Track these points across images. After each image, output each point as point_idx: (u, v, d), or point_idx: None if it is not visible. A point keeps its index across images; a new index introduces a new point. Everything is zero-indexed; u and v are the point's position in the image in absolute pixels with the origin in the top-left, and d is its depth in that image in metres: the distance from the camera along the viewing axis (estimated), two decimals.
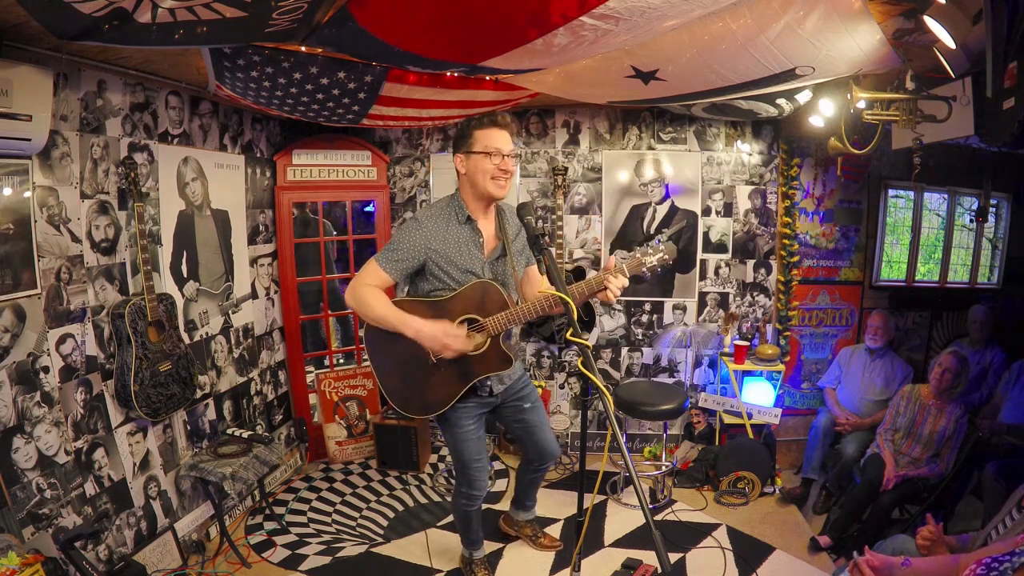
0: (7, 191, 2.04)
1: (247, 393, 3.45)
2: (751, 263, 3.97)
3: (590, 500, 2.10)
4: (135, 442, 2.59)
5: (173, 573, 2.65)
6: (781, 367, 3.67)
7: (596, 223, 3.97)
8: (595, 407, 4.07)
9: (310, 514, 3.30)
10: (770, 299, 3.99)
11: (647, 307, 4.03)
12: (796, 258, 3.87)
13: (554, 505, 3.29)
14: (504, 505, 3.20)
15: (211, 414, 3.12)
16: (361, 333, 3.02)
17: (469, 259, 2.12)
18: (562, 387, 4.15)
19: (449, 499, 3.40)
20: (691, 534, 3.03)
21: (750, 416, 3.59)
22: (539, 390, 3.86)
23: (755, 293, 3.99)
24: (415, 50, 2.04)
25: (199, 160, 3.02)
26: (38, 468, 2.13)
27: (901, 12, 1.84)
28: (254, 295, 3.54)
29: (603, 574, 2.61)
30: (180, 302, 2.87)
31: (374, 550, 2.92)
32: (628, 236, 3.96)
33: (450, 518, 3.15)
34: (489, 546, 2.82)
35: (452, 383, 2.16)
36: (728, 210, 3.93)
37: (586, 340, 1.54)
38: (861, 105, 2.25)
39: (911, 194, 4.01)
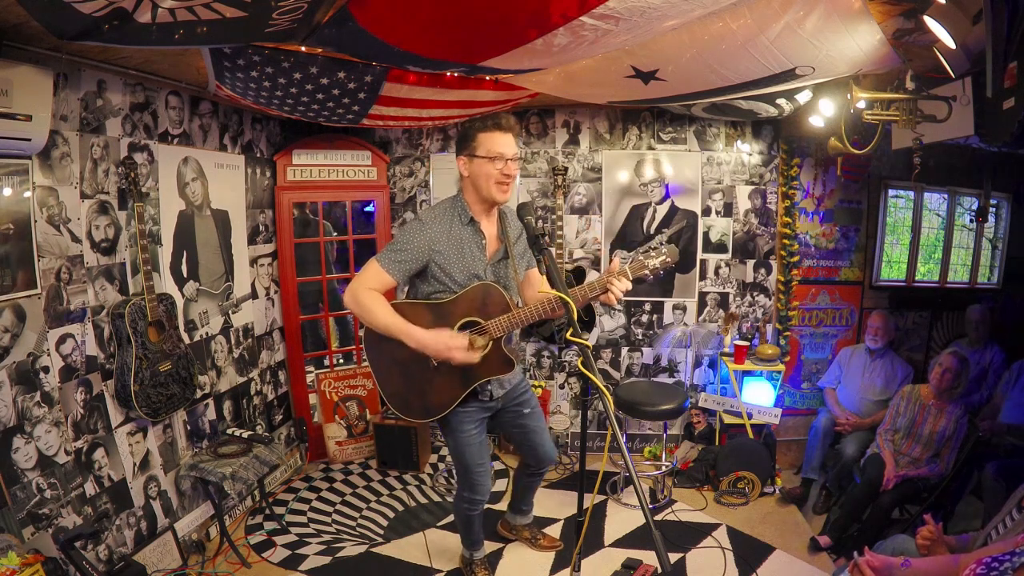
0: (7, 191, 2.04)
1: (247, 393, 3.45)
2: (751, 263, 3.97)
3: (590, 500, 2.10)
4: (135, 442, 2.59)
5: (173, 573, 2.65)
6: (781, 367, 3.67)
7: (596, 223, 3.97)
8: (595, 407, 4.07)
9: (310, 514, 3.30)
10: (770, 299, 3.99)
11: (647, 307, 4.03)
12: (796, 258, 3.87)
13: (554, 505, 3.30)
14: (504, 505, 3.19)
15: (211, 414, 3.12)
16: (361, 333, 3.02)
17: (472, 261, 2.11)
18: (562, 387, 4.15)
19: (449, 499, 3.41)
20: (691, 534, 3.03)
21: (750, 416, 3.59)
22: (539, 390, 3.87)
23: (755, 293, 3.99)
24: (415, 50, 2.04)
25: (199, 160, 3.02)
26: (38, 468, 2.13)
27: (901, 12, 1.84)
28: (254, 295, 3.54)
29: (603, 574, 2.61)
30: (180, 302, 2.87)
31: (374, 550, 2.92)
32: (628, 236, 3.96)
33: (450, 518, 3.15)
34: (489, 546, 2.82)
35: (453, 386, 2.15)
36: (728, 210, 3.93)
37: (586, 340, 1.54)
38: (861, 105, 2.25)
39: (911, 194, 4.01)
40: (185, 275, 2.93)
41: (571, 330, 1.56)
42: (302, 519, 3.24)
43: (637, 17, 1.65)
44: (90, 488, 2.35)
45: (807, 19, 1.72)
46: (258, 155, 3.60)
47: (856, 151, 2.69)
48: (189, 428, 2.94)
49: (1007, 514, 1.83)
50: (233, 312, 3.33)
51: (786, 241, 3.87)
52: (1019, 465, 2.68)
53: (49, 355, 2.19)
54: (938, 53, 1.98)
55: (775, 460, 3.55)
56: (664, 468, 3.60)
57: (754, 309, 4.00)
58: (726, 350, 3.83)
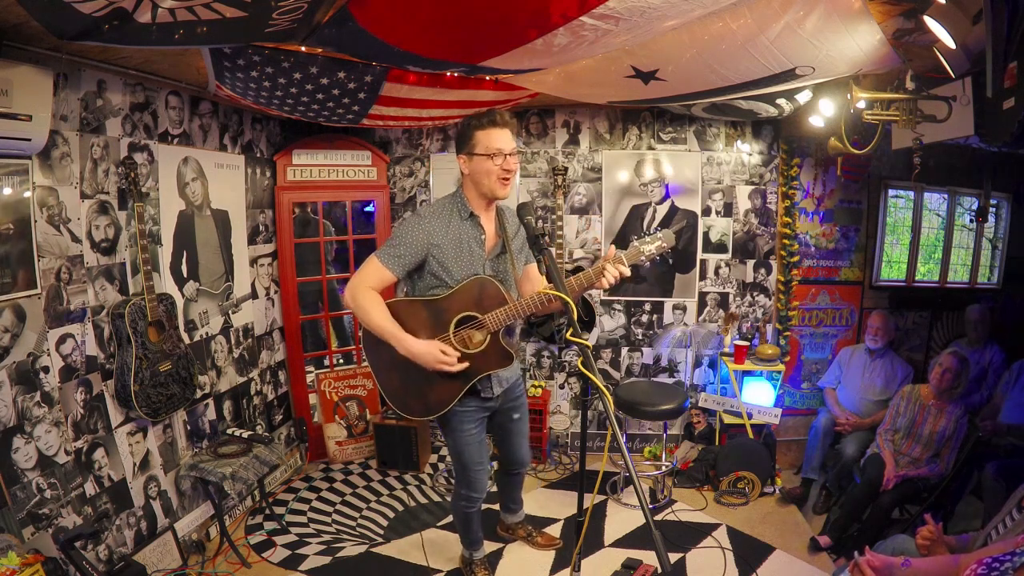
0: (7, 191, 2.04)
1: (247, 393, 3.45)
2: (751, 263, 3.97)
3: (590, 500, 2.09)
4: (135, 442, 2.59)
5: (173, 573, 2.65)
6: (781, 367, 3.67)
7: (596, 223, 3.97)
8: (595, 407, 4.07)
9: (310, 514, 3.30)
10: (770, 299, 3.99)
11: (647, 307, 4.03)
12: (796, 258, 3.87)
13: (554, 505, 3.30)
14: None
15: (211, 414, 3.12)
16: (361, 333, 3.01)
17: (470, 256, 2.11)
18: (562, 387, 4.15)
19: (449, 499, 3.40)
20: (691, 534, 3.03)
21: (750, 416, 3.59)
22: (539, 390, 3.87)
23: (755, 293, 3.99)
24: (415, 50, 2.04)
25: (199, 160, 3.02)
26: (38, 468, 2.13)
27: (901, 12, 1.84)
28: (254, 295, 3.54)
29: (603, 574, 2.61)
30: (180, 302, 2.87)
31: (374, 550, 2.92)
32: (628, 236, 3.95)
33: (450, 518, 3.15)
34: (489, 546, 2.82)
35: (452, 383, 2.15)
36: (728, 210, 3.93)
37: (586, 340, 1.54)
38: (861, 105, 2.25)
39: (911, 194, 4.01)
40: (185, 275, 2.93)
41: (571, 330, 1.56)
42: (302, 519, 3.24)
43: (637, 17, 1.65)
44: (90, 488, 2.35)
45: (807, 19, 1.72)
46: (258, 155, 3.60)
47: (856, 151, 2.69)
48: (189, 428, 2.94)
49: (1007, 514, 1.83)
50: (233, 312, 3.33)
51: (786, 241, 3.87)
52: (1019, 465, 2.68)
53: (49, 355, 2.19)
54: (938, 53, 1.98)
55: (775, 460, 3.55)
56: (664, 468, 3.60)
57: (754, 309, 4.00)
58: (726, 350, 3.83)
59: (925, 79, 2.27)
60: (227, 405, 3.26)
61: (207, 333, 3.10)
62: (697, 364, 4.02)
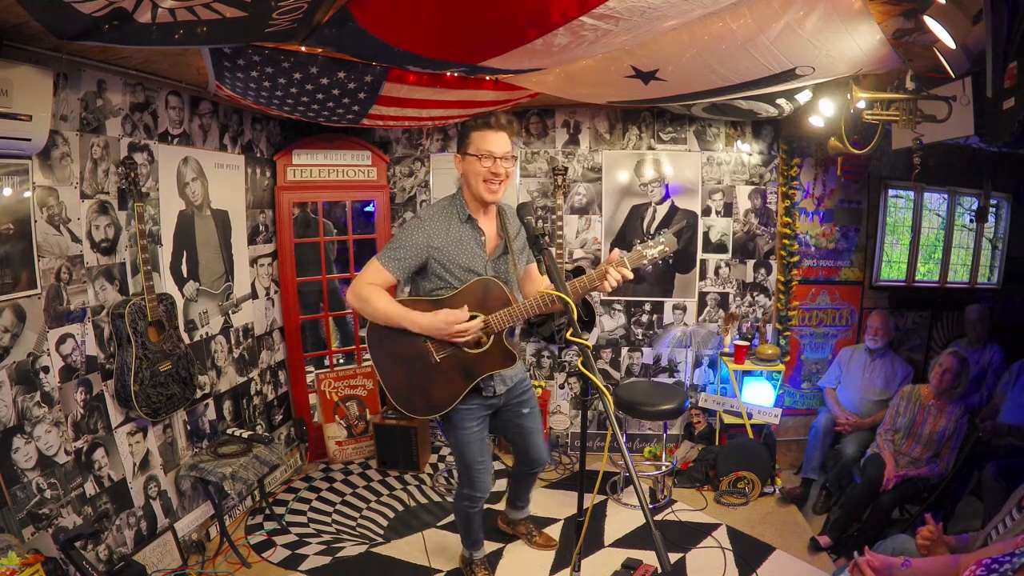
0: (7, 191, 2.03)
1: (247, 393, 3.45)
2: (751, 263, 3.97)
3: (590, 500, 2.10)
4: (135, 442, 2.59)
5: (173, 573, 2.65)
6: (781, 367, 3.67)
7: (596, 223, 3.97)
8: (595, 407, 4.07)
9: (310, 514, 3.30)
10: (770, 299, 3.99)
11: (647, 307, 4.03)
12: (796, 258, 3.87)
13: (554, 505, 3.30)
14: (504, 504, 3.20)
15: (211, 414, 3.12)
16: (362, 333, 3.02)
17: (471, 257, 2.13)
18: (562, 387, 4.15)
19: (449, 499, 3.41)
20: (691, 534, 3.03)
21: (750, 416, 3.59)
22: (539, 390, 3.87)
23: (755, 293, 3.99)
24: (415, 50, 2.04)
25: (199, 160, 3.02)
26: (38, 468, 2.13)
27: (901, 12, 1.84)
28: (254, 295, 3.54)
29: (603, 574, 2.61)
30: (180, 302, 2.87)
31: (374, 550, 2.92)
32: (628, 236, 3.96)
33: (450, 518, 3.15)
34: (489, 546, 2.82)
35: (456, 382, 2.16)
36: (728, 210, 3.93)
37: (586, 340, 1.54)
38: (861, 105, 2.25)
39: (911, 194, 4.01)
40: (185, 275, 2.93)
41: (571, 330, 1.57)
42: (302, 519, 3.24)
43: (637, 17, 1.65)
44: (90, 488, 2.35)
45: (807, 19, 1.72)
46: (258, 155, 3.60)
47: (856, 151, 2.69)
48: (189, 428, 2.94)
49: (1007, 514, 1.83)
50: (233, 312, 3.33)
51: (786, 241, 3.87)
52: (1019, 465, 2.68)
53: (49, 355, 2.19)
54: (938, 53, 1.98)
55: (775, 460, 3.55)
56: (664, 468, 3.60)
57: (754, 309, 4.00)
58: (726, 350, 3.83)
59: (925, 79, 2.27)
60: (227, 405, 3.25)
61: (207, 333, 3.10)
62: (697, 364, 4.02)
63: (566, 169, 3.81)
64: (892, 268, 4.11)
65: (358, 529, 3.19)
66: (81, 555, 2.06)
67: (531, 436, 2.49)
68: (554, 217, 3.84)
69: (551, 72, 2.43)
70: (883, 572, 1.69)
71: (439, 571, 2.75)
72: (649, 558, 2.47)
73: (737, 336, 3.81)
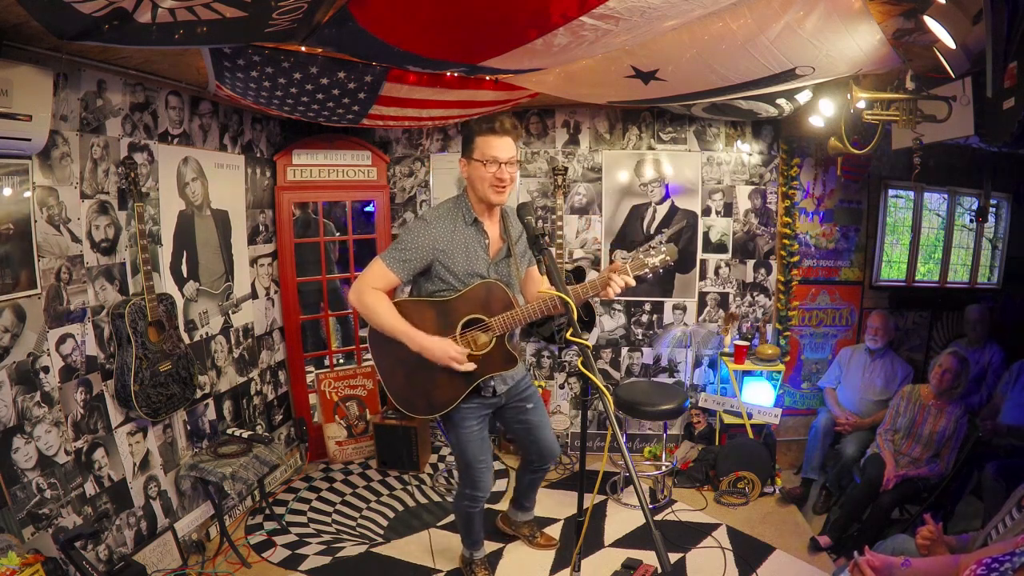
0: (7, 191, 2.03)
1: (247, 393, 3.45)
2: (751, 263, 3.97)
3: (590, 500, 2.10)
4: (135, 442, 2.59)
5: (173, 573, 2.65)
6: (781, 367, 3.67)
7: (596, 223, 3.97)
8: (595, 407, 4.07)
9: (310, 514, 3.30)
10: (770, 299, 3.99)
11: (647, 307, 4.03)
12: (796, 258, 3.87)
13: (554, 505, 3.29)
14: (504, 505, 3.19)
15: (211, 414, 3.12)
16: (362, 333, 3.02)
17: (475, 260, 2.13)
18: (562, 387, 4.15)
19: (450, 499, 3.41)
20: (691, 534, 3.03)
21: (750, 416, 3.59)
22: (539, 390, 3.86)
23: (755, 293, 3.99)
24: (415, 50, 2.04)
25: (199, 160, 3.02)
26: (38, 468, 2.13)
27: (901, 12, 1.84)
28: (254, 295, 3.54)
29: (603, 574, 2.61)
30: (180, 302, 2.87)
31: (374, 550, 2.92)
32: (628, 236, 3.96)
33: (450, 518, 3.15)
34: (489, 546, 2.82)
35: (457, 383, 2.17)
36: (728, 210, 3.93)
37: (586, 340, 1.54)
38: (861, 105, 2.25)
39: (911, 194, 4.01)
40: (185, 275, 2.93)
41: (571, 330, 1.57)
42: (302, 519, 3.24)
43: (637, 17, 1.65)
44: (90, 488, 2.35)
45: (807, 19, 1.72)
46: (258, 155, 3.60)
47: (856, 151, 2.69)
48: (189, 428, 2.94)
49: (1007, 514, 1.83)
50: (233, 312, 3.33)
51: (786, 241, 3.87)
52: (1019, 465, 2.68)
53: (49, 355, 2.19)
54: (938, 53, 1.97)
55: (775, 460, 3.55)
56: (664, 468, 3.60)
57: (754, 309, 4.00)
58: (726, 350, 3.83)
59: (925, 79, 2.27)
60: (227, 405, 3.25)
61: (207, 333, 3.10)
62: (697, 364, 4.02)
63: (566, 169, 3.81)
64: (892, 268, 4.11)
65: (358, 529, 3.19)
66: (81, 555, 2.06)
67: (539, 431, 2.47)
68: (554, 217, 3.84)
69: (551, 72, 2.43)
70: (883, 572, 1.69)
71: (439, 571, 2.75)
72: (649, 558, 2.47)
73: (737, 336, 3.81)
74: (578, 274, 3.81)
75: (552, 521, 3.14)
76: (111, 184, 2.47)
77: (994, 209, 4.00)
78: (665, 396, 3.33)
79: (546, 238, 1.87)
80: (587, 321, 3.89)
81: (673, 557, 2.83)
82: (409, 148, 4.04)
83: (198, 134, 3.03)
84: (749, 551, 2.88)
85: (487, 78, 2.64)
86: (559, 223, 3.82)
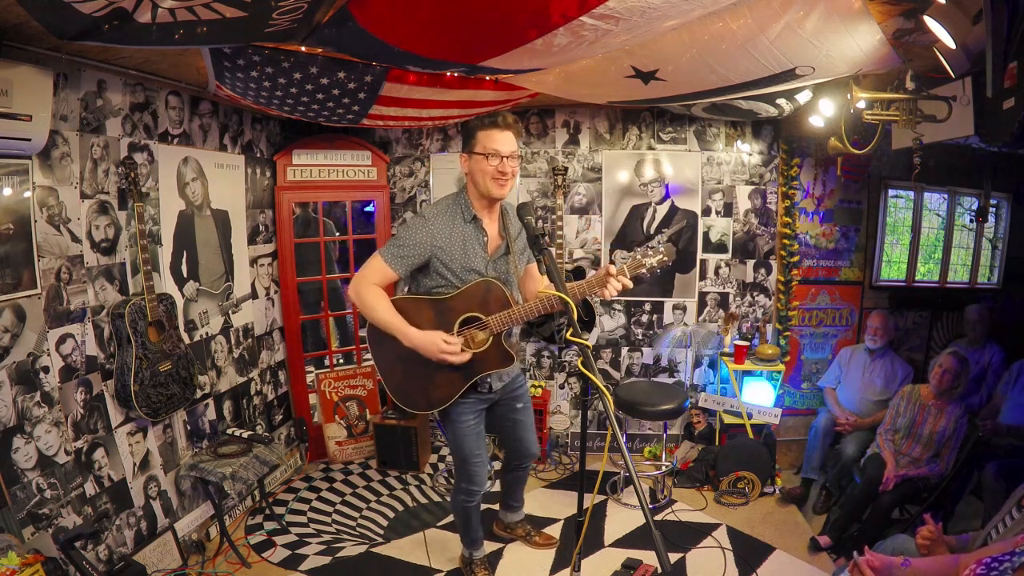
0: (7, 191, 2.03)
1: (247, 393, 3.45)
2: (751, 263, 3.97)
3: (590, 500, 2.10)
4: (135, 442, 2.59)
5: (173, 573, 2.65)
6: (781, 367, 3.67)
7: (596, 223, 3.97)
8: (595, 407, 4.07)
9: (310, 514, 3.30)
10: (770, 299, 3.99)
11: (647, 307, 4.03)
12: (796, 258, 3.87)
13: (554, 505, 3.30)
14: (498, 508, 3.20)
15: (211, 414, 3.12)
16: (362, 333, 3.03)
17: (473, 257, 2.14)
18: (562, 387, 4.15)
19: (449, 499, 3.41)
20: (691, 534, 3.03)
21: (750, 416, 3.59)
22: (539, 390, 3.87)
23: (755, 293, 3.99)
24: (415, 50, 2.04)
25: (199, 160, 3.02)
26: (38, 468, 2.13)
27: (901, 12, 1.84)
28: (254, 295, 3.54)
29: (603, 574, 2.61)
30: (180, 302, 2.87)
31: (374, 550, 2.92)
32: (628, 236, 3.96)
33: (450, 518, 3.15)
34: (489, 546, 2.82)
35: (454, 380, 2.18)
36: (728, 210, 3.93)
37: (586, 340, 1.55)
38: (861, 105, 2.25)
39: (911, 194, 4.00)
40: (185, 275, 2.93)
41: (571, 330, 1.57)
42: (302, 519, 3.24)
43: (637, 17, 1.65)
44: (90, 488, 2.35)
45: (807, 19, 1.72)
46: (258, 155, 3.60)
47: (856, 151, 2.69)
48: (189, 428, 2.94)
49: (1007, 514, 1.83)
50: (233, 312, 3.33)
51: (786, 241, 3.87)
52: (1019, 465, 2.68)
53: (49, 355, 2.19)
54: (938, 53, 1.97)
55: (775, 460, 3.55)
56: (664, 468, 3.60)
57: (754, 309, 4.00)
58: (726, 350, 3.83)
59: (925, 79, 2.27)
60: (227, 405, 3.25)
61: (207, 333, 3.10)
62: (697, 364, 4.02)
63: (566, 169, 3.81)
64: (892, 268, 4.11)
65: (358, 529, 3.19)
66: (81, 555, 2.06)
67: (523, 430, 2.52)
68: (554, 217, 3.84)
69: (551, 72, 2.43)
70: (883, 572, 1.69)
71: (439, 571, 2.75)
72: (649, 558, 2.47)
73: (737, 336, 3.81)
74: (578, 274, 3.81)
75: (552, 521, 3.14)
76: (111, 184, 2.47)
77: (994, 209, 4.00)
78: (665, 396, 3.33)
79: (546, 238, 1.88)
80: (587, 321, 3.89)
81: (673, 557, 2.83)
82: (409, 148, 4.04)
83: (198, 134, 3.03)
84: (749, 551, 2.88)
85: (487, 78, 2.64)
86: (559, 223, 3.82)
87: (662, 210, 3.93)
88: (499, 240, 2.24)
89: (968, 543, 1.89)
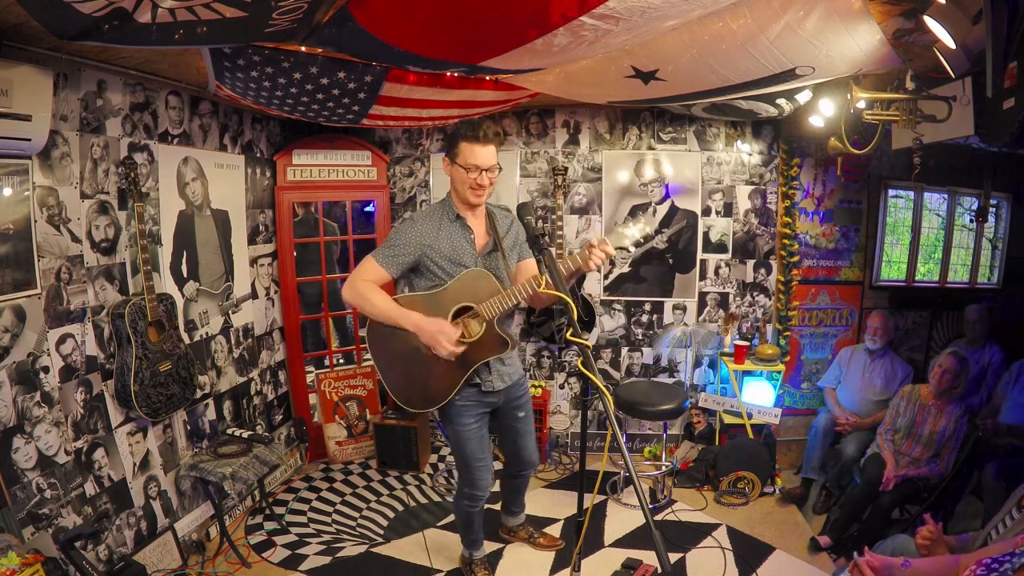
0: (7, 191, 2.03)
1: (247, 393, 3.45)
2: (751, 263, 3.97)
3: (590, 500, 2.10)
4: (135, 442, 2.59)
5: (173, 573, 2.65)
6: (781, 367, 3.67)
7: (596, 223, 3.97)
8: (595, 407, 4.07)
9: (310, 514, 3.30)
10: (770, 299, 3.99)
11: (647, 307, 4.03)
12: (796, 258, 3.87)
13: (554, 505, 3.30)
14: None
15: (211, 414, 3.12)
16: (362, 333, 3.03)
17: (462, 253, 2.19)
18: (562, 387, 4.15)
19: (449, 499, 3.41)
20: (691, 534, 3.03)
21: (750, 416, 3.59)
22: (539, 390, 3.87)
23: (755, 293, 3.99)
24: (415, 50, 2.04)
25: (199, 160, 3.02)
26: (38, 468, 2.13)
27: (901, 12, 1.84)
28: (254, 295, 3.54)
29: (603, 574, 2.61)
30: (180, 302, 2.87)
31: (374, 550, 2.92)
32: None
33: (450, 518, 3.15)
34: (489, 546, 2.82)
35: (452, 372, 2.20)
36: (728, 210, 3.93)
37: (586, 340, 1.55)
38: (861, 105, 2.25)
39: (911, 194, 4.00)
40: (185, 275, 2.93)
41: (571, 330, 1.57)
42: (302, 519, 3.24)
43: (637, 17, 1.65)
44: (90, 488, 2.35)
45: (807, 19, 1.72)
46: (258, 155, 3.60)
47: (856, 151, 2.69)
48: (189, 428, 2.94)
49: (1007, 514, 1.83)
50: (233, 312, 3.33)
51: (786, 241, 3.87)
52: (1019, 465, 2.68)
53: (49, 355, 2.19)
54: (938, 53, 1.97)
55: (775, 460, 3.55)
56: (664, 468, 3.60)
57: (754, 309, 4.00)
58: (726, 350, 3.83)
59: (925, 79, 2.27)
60: (227, 405, 3.25)
61: (207, 333, 3.10)
62: (697, 364, 4.02)
63: (566, 169, 3.81)
64: (892, 268, 4.11)
65: (358, 529, 3.19)
66: (81, 555, 2.06)
67: (523, 438, 2.53)
68: (554, 217, 3.84)
69: (551, 72, 2.43)
70: (883, 572, 1.68)
71: (439, 571, 2.75)
72: (649, 558, 2.47)
73: (737, 336, 3.81)
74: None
75: (552, 521, 3.14)
76: (111, 184, 2.47)
77: (994, 209, 4.00)
78: (665, 396, 3.33)
79: (546, 238, 1.89)
80: (587, 321, 3.90)
81: (673, 557, 2.83)
82: (409, 148, 4.04)
83: (198, 134, 3.03)
84: (749, 551, 2.88)
85: (487, 78, 2.64)
86: (559, 223, 3.82)
87: (662, 210, 3.93)
88: (487, 237, 2.29)
89: (968, 543, 1.89)
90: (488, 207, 2.31)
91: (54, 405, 2.20)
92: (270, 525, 3.13)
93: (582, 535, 1.89)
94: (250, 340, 3.49)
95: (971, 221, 4.00)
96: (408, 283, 2.30)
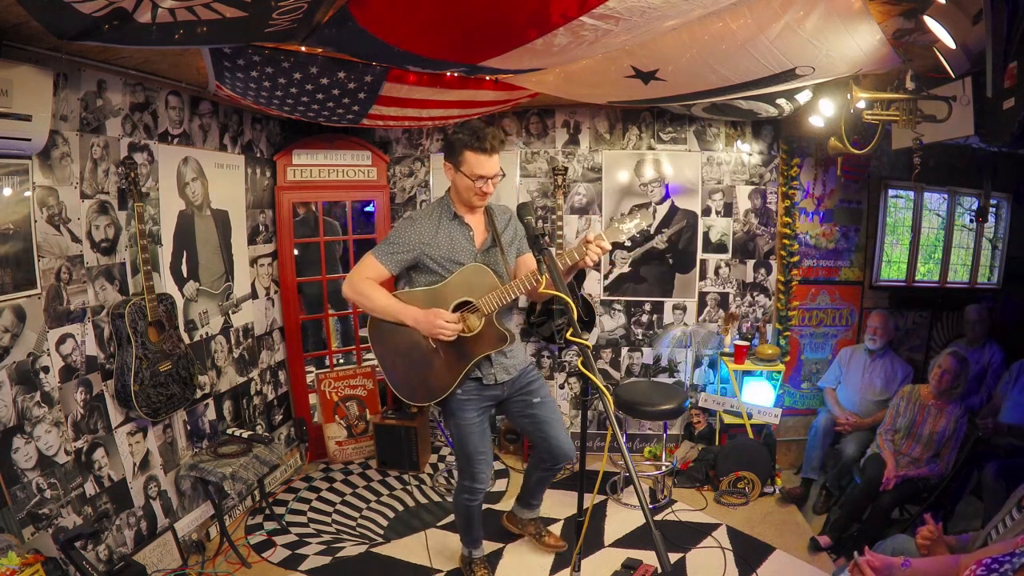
0: (7, 191, 2.03)
1: (247, 393, 3.45)
2: (751, 263, 3.97)
3: (590, 500, 2.10)
4: (135, 442, 2.59)
5: (173, 573, 2.65)
6: (781, 367, 3.67)
7: (596, 223, 3.97)
8: (595, 407, 4.07)
9: (310, 514, 3.30)
10: (770, 299, 3.99)
11: (647, 307, 4.03)
12: (796, 258, 3.87)
13: (554, 505, 3.29)
14: (504, 505, 3.20)
15: (211, 414, 3.12)
16: (363, 333, 3.03)
17: (460, 251, 2.21)
18: (562, 387, 4.15)
19: (449, 499, 3.41)
20: (691, 534, 3.04)
21: (750, 416, 3.59)
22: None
23: (755, 293, 3.99)
24: (415, 50, 2.04)
25: (199, 160, 3.02)
26: (38, 468, 2.13)
27: (901, 12, 1.84)
28: (254, 295, 3.54)
29: (603, 574, 2.61)
30: (180, 302, 2.87)
31: (374, 550, 2.92)
32: None
33: (450, 518, 3.15)
34: (489, 546, 2.82)
35: (452, 366, 2.22)
36: (728, 210, 3.93)
37: (586, 340, 1.55)
38: (861, 105, 2.25)
39: (911, 194, 4.00)
40: (185, 275, 2.93)
41: (571, 330, 1.57)
42: (302, 519, 3.24)
43: (637, 17, 1.65)
44: (90, 488, 2.35)
45: (807, 19, 1.72)
46: (258, 155, 3.60)
47: (856, 151, 2.69)
48: (189, 428, 2.94)
49: (1007, 514, 1.83)
50: (233, 312, 3.33)
51: (786, 241, 3.87)
52: (1019, 465, 2.68)
53: (49, 355, 2.19)
54: (938, 53, 1.97)
55: (775, 460, 3.55)
56: (664, 468, 3.60)
57: (754, 309, 4.00)
58: (726, 350, 3.83)
59: (925, 79, 2.27)
60: (227, 405, 3.25)
61: (207, 333, 3.10)
62: (697, 364, 4.02)
63: (566, 169, 3.81)
64: (892, 268, 4.11)
65: (358, 529, 3.19)
66: (81, 555, 2.06)
67: (548, 427, 2.42)
68: (554, 217, 3.84)
69: (551, 72, 2.43)
70: (883, 572, 1.68)
71: (439, 571, 2.75)
72: (649, 558, 2.47)
73: (737, 336, 3.81)
74: (578, 275, 3.81)
75: (552, 521, 3.14)
76: (111, 184, 2.47)
77: (994, 209, 4.00)
78: (665, 396, 3.33)
79: (546, 238, 1.89)
80: (587, 321, 3.90)
81: (673, 557, 2.83)
82: (409, 148, 4.04)
83: (198, 134, 3.03)
84: (749, 551, 2.88)
85: (487, 78, 2.64)
86: (559, 223, 3.82)
87: (662, 210, 3.93)
88: (485, 233, 2.30)
89: (968, 543, 1.89)
90: (487, 204, 2.32)
91: (54, 405, 2.20)
92: (270, 525, 3.13)
93: (582, 535, 1.89)
94: (250, 340, 3.49)
95: (971, 221, 4.00)
96: (408, 280, 2.31)
